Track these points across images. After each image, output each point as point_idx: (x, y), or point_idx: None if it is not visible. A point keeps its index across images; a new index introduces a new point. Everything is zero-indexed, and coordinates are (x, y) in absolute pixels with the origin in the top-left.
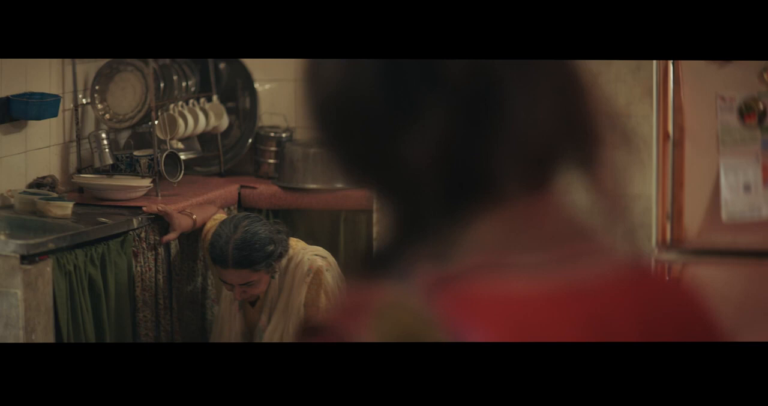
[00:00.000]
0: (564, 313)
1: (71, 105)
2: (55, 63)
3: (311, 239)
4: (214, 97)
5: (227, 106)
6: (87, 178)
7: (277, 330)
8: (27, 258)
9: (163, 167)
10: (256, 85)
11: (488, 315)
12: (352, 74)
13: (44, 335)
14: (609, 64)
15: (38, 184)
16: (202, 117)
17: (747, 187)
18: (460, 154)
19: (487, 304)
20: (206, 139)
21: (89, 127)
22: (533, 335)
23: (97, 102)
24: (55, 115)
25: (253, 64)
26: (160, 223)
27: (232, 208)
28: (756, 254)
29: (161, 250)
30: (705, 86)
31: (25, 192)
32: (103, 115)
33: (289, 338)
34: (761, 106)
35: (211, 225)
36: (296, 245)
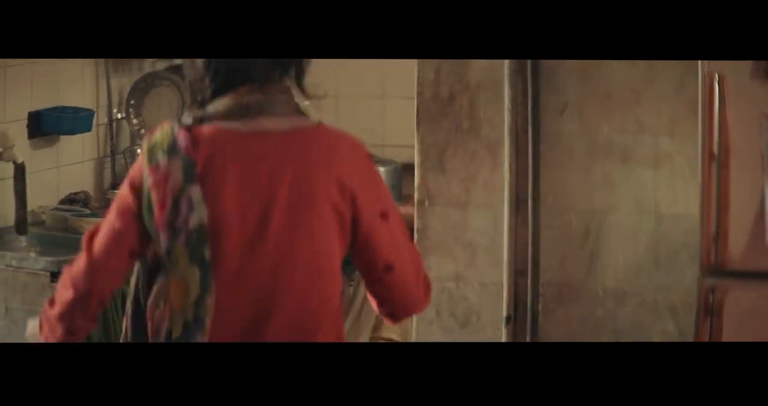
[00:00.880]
0: None
1: (105, 119)
2: (88, 77)
3: None
4: None
5: None
6: None
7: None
8: (57, 276)
9: None
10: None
11: None
12: None
13: None
14: (653, 81)
15: (70, 200)
16: None
17: None
18: None
19: None
20: None
21: (124, 142)
22: None
23: (132, 117)
24: (88, 129)
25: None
26: None
27: None
28: None
29: None
30: (751, 104)
31: (56, 208)
32: (138, 130)
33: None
34: None
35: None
36: None
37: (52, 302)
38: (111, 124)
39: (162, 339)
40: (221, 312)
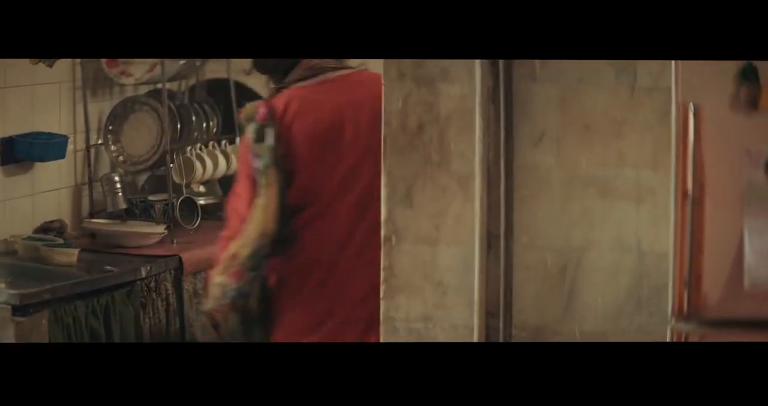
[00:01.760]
0: None
1: (83, 146)
2: (65, 101)
3: None
4: (237, 139)
5: None
6: (98, 223)
7: None
8: (20, 309)
9: (178, 213)
10: None
11: None
12: None
13: None
14: (635, 110)
15: (45, 229)
16: (223, 160)
17: None
18: None
19: None
20: (230, 183)
21: (103, 168)
22: None
23: (110, 143)
24: (62, 156)
25: None
26: (174, 271)
27: None
28: None
29: (173, 300)
30: (730, 139)
31: (29, 238)
32: (117, 156)
33: None
34: None
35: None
36: None
37: None
38: (89, 151)
39: None
40: None
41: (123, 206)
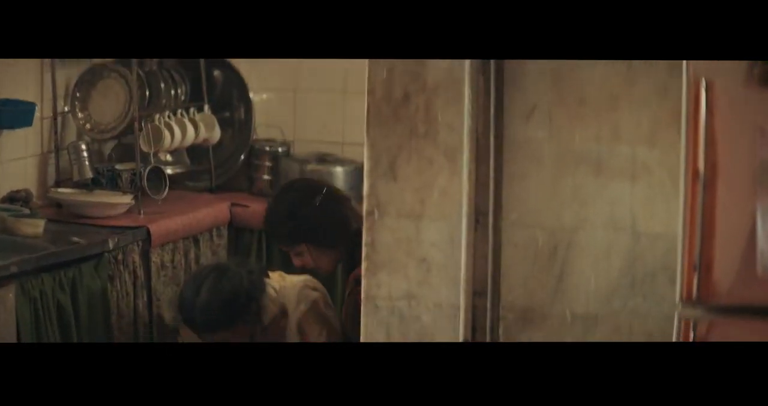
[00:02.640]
0: None
1: (50, 113)
2: (32, 67)
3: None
4: (206, 107)
5: (220, 116)
6: (64, 193)
7: None
8: None
9: (145, 183)
10: (252, 95)
11: None
12: None
13: None
14: (632, 84)
15: (11, 198)
16: (191, 128)
17: None
18: None
19: None
20: (197, 152)
21: (70, 137)
22: None
23: (77, 110)
24: (29, 124)
25: (249, 73)
26: (142, 243)
27: (222, 228)
28: None
29: (140, 272)
30: (743, 116)
31: None
32: (84, 124)
33: None
34: None
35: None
36: (283, 280)
37: None
38: (55, 119)
39: None
40: None
41: (89, 175)
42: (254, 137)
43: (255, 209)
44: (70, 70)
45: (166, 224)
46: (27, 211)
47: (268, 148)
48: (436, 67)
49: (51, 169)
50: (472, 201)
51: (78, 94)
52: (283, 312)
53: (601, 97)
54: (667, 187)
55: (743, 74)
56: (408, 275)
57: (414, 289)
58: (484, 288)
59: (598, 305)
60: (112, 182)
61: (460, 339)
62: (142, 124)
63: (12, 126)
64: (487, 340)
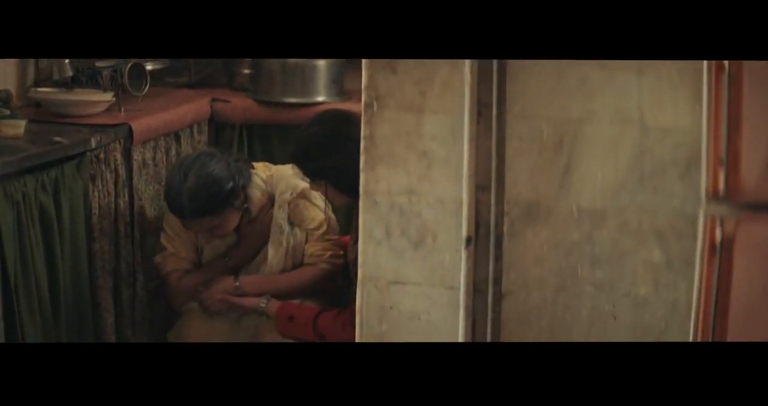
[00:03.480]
0: None
1: None
2: None
3: (290, 158)
4: None
5: None
6: (44, 92)
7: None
8: None
9: (127, 80)
10: None
11: None
12: None
13: None
14: None
15: None
16: None
17: None
18: None
19: None
20: None
21: None
22: None
23: None
24: None
25: None
26: (123, 141)
27: (202, 124)
28: None
29: (122, 171)
30: None
31: None
32: None
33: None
34: None
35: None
36: (269, 170)
37: None
38: None
39: None
40: None
41: (69, 73)
42: None
43: (236, 103)
44: None
45: (147, 121)
46: (7, 112)
47: None
48: None
49: (30, 70)
50: (474, 92)
51: None
52: (272, 202)
53: None
54: (674, 79)
55: None
56: (408, 170)
57: (414, 184)
58: (488, 182)
59: (605, 200)
60: (93, 80)
61: (463, 234)
62: None
63: None
64: (491, 236)
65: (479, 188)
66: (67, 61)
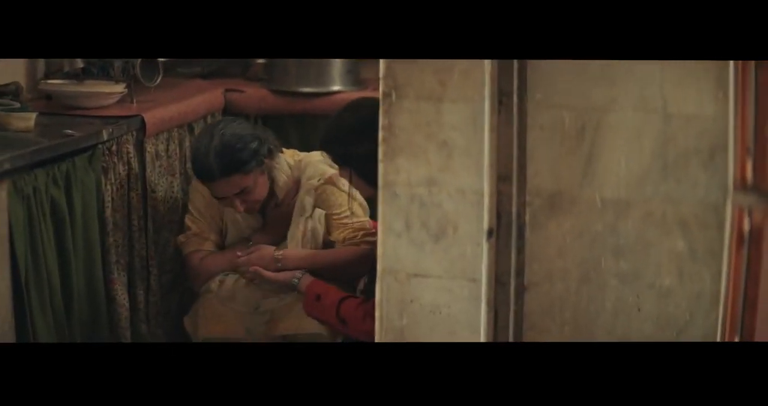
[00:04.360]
0: None
1: None
2: None
3: (305, 148)
4: None
5: None
6: (55, 84)
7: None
8: None
9: (138, 70)
10: None
11: None
12: None
13: None
14: None
15: (0, 92)
16: None
17: None
18: None
19: None
20: None
21: None
22: None
23: None
24: None
25: None
26: (136, 133)
27: (216, 114)
28: None
29: (135, 163)
30: None
31: None
32: None
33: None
34: None
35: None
36: (297, 155)
37: None
38: None
39: None
40: None
41: (80, 64)
42: None
43: (251, 93)
44: None
45: (160, 112)
46: (17, 104)
47: None
48: None
49: (40, 62)
50: (495, 81)
51: None
52: (298, 187)
53: None
54: (698, 68)
55: None
56: (428, 160)
57: (435, 175)
58: (509, 172)
59: (629, 190)
60: (104, 71)
61: (485, 225)
62: None
63: None
64: (513, 228)
65: (500, 179)
66: None
